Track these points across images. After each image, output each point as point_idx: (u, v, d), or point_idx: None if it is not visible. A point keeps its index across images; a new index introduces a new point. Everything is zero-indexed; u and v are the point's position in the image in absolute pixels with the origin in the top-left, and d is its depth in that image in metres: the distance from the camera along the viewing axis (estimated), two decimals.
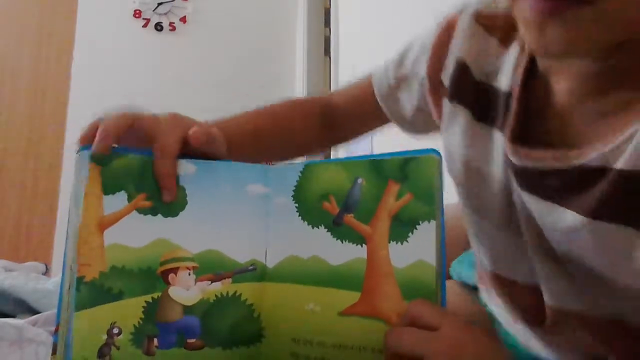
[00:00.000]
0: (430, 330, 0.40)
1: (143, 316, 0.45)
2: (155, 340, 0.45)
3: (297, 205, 0.48)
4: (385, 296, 0.44)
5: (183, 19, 3.38)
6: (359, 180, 0.46)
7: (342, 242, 0.46)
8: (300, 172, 0.48)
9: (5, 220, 2.66)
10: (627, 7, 0.39)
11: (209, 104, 3.22)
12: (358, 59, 2.49)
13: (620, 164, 0.42)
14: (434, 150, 0.44)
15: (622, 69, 0.44)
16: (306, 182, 0.48)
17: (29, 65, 3.00)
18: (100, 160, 0.45)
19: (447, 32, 0.60)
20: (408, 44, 0.70)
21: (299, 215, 0.48)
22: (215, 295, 0.47)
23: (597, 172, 0.44)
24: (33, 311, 1.08)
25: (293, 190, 0.48)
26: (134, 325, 0.44)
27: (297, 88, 3.24)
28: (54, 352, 0.44)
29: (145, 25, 3.34)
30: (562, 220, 0.46)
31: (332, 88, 2.78)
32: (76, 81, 2.98)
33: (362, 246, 0.45)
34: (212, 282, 0.47)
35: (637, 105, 0.44)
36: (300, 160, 0.51)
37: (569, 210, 0.45)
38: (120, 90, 2.89)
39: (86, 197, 0.44)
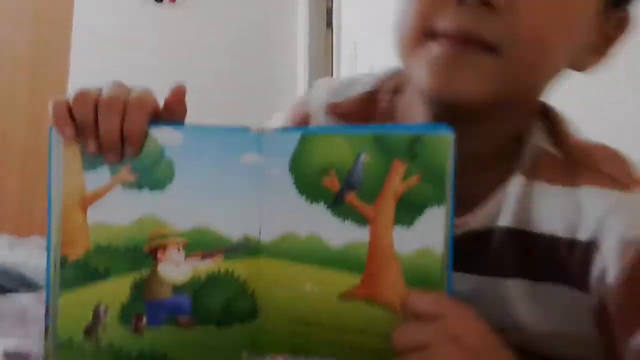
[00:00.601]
0: (435, 321, 0.39)
1: (131, 295, 0.44)
2: (144, 318, 0.44)
3: (294, 177, 0.44)
4: (388, 282, 0.42)
5: None
6: (362, 156, 0.42)
7: (343, 222, 0.43)
8: (298, 140, 0.44)
9: (8, 197, 2.67)
10: (529, 59, 0.45)
11: (210, 75, 3.20)
12: (360, 32, 2.46)
13: (503, 222, 0.50)
14: (447, 127, 0.40)
15: (492, 132, 0.50)
16: (304, 153, 0.44)
17: (27, 47, 2.97)
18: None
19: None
20: None
21: (297, 189, 0.44)
22: (207, 273, 0.45)
23: (486, 233, 0.51)
24: (35, 287, 1.08)
25: (289, 161, 0.44)
26: (122, 304, 0.44)
27: (299, 60, 3.20)
28: (46, 331, 0.44)
29: None
30: (463, 283, 0.49)
31: (334, 60, 2.75)
32: (75, 59, 2.95)
33: (364, 227, 0.42)
34: (203, 259, 0.45)
35: (505, 164, 0.51)
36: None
37: (467, 274, 0.51)
38: (121, 65, 2.86)
39: (65, 175, 0.43)
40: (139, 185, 0.44)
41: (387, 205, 0.41)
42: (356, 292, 0.43)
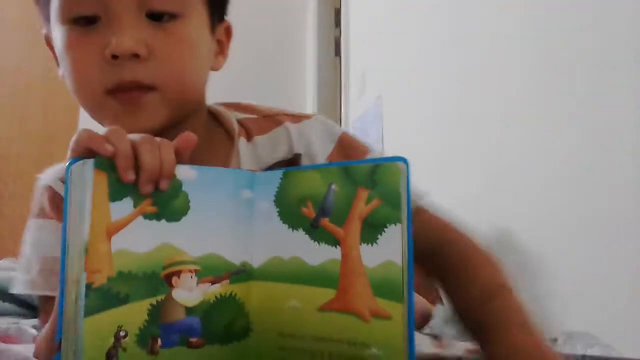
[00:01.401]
0: None
1: (148, 318, 0.47)
2: (159, 340, 0.47)
3: (278, 209, 0.51)
4: (358, 293, 0.47)
5: None
6: (333, 186, 0.49)
7: (319, 244, 0.49)
8: (280, 178, 0.52)
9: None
10: (178, 88, 0.60)
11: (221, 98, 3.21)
12: (368, 61, 2.47)
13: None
14: (401, 159, 0.47)
15: (192, 129, 0.58)
16: (286, 187, 0.51)
17: (42, 71, 3.01)
18: (106, 167, 0.46)
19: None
20: None
21: (280, 219, 0.51)
22: (215, 296, 0.49)
23: None
24: None
25: (274, 195, 0.51)
26: (139, 327, 0.46)
27: (308, 89, 3.23)
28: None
29: None
30: None
31: (343, 89, 2.77)
32: None
33: (336, 247, 0.48)
34: (212, 284, 0.49)
35: None
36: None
37: None
38: None
39: (94, 205, 0.45)
40: (158, 216, 0.48)
41: (354, 227, 0.47)
42: (332, 305, 0.48)
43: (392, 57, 2.15)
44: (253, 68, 3.31)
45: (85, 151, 0.46)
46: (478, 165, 1.44)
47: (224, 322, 0.50)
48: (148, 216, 0.47)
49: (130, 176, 0.46)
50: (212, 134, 0.69)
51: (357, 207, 0.47)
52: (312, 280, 0.49)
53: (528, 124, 1.23)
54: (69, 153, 0.47)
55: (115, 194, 0.46)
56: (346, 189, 0.48)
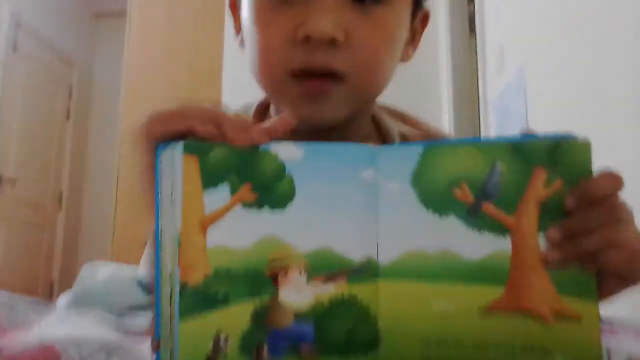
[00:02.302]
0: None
1: (251, 322, 0.41)
2: (266, 347, 0.41)
3: (417, 192, 0.42)
4: (537, 290, 0.40)
5: None
6: (498, 165, 0.41)
7: (481, 233, 0.41)
8: (419, 154, 0.42)
9: None
10: (367, 80, 0.55)
11: None
12: (507, 34, 2.32)
13: None
14: (576, 137, 0.40)
15: (353, 130, 0.59)
16: (428, 166, 0.42)
17: (186, 78, 3.21)
18: (197, 150, 0.40)
19: None
20: None
21: (421, 203, 0.42)
22: (330, 298, 0.42)
23: None
24: None
25: (411, 175, 0.42)
26: (242, 332, 0.41)
27: (442, 70, 3.11)
28: None
29: None
30: None
31: (480, 68, 2.63)
32: (227, 91, 3.12)
33: (505, 237, 0.40)
34: (325, 283, 0.42)
35: None
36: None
37: None
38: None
39: (185, 194, 0.40)
40: (259, 204, 0.41)
41: (531, 212, 0.40)
42: (500, 305, 0.40)
43: (534, 27, 2.00)
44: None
45: (163, 134, 0.41)
46: (632, 140, 1.28)
47: (343, 330, 0.42)
48: (248, 204, 0.41)
49: (215, 131, 0.40)
50: (367, 140, 0.61)
51: (533, 189, 0.40)
52: (471, 278, 0.41)
53: None
54: (141, 140, 0.42)
55: (209, 180, 0.40)
56: (516, 168, 0.40)
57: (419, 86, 3.20)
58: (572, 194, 0.39)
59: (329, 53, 0.51)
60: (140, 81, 3.15)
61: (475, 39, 2.71)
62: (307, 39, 0.51)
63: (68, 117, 4.52)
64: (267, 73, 0.56)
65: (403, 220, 0.42)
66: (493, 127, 2.43)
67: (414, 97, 3.19)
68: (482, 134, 2.55)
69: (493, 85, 2.47)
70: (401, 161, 0.42)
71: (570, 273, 0.39)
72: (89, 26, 4.58)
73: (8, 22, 3.74)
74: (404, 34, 0.58)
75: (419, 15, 0.62)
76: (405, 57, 0.62)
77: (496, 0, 2.48)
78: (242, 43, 0.60)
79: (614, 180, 0.40)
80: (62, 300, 1.30)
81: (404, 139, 0.65)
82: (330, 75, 0.52)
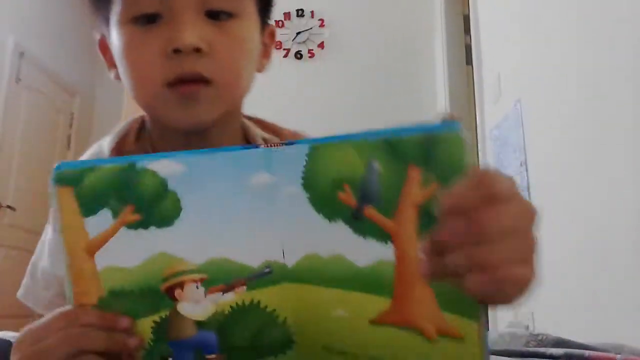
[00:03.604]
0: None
1: (153, 337, 0.41)
2: (170, 359, 0.42)
3: (308, 195, 0.39)
4: (419, 304, 0.37)
5: (321, 45, 3.45)
6: (375, 164, 0.37)
7: (365, 239, 0.38)
8: (307, 154, 0.39)
9: None
10: (231, 84, 0.63)
11: (353, 118, 3.25)
12: (504, 64, 2.35)
13: None
14: (455, 125, 0.35)
15: (224, 132, 0.67)
16: (315, 166, 0.39)
17: None
18: (69, 180, 0.40)
19: None
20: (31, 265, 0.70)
21: (313, 207, 0.39)
22: (230, 307, 0.41)
23: None
24: None
25: (302, 177, 0.39)
26: (144, 349, 0.41)
27: (439, 101, 3.14)
28: None
29: (285, 56, 3.46)
30: None
31: (477, 96, 2.65)
32: None
33: (387, 243, 0.37)
34: (224, 293, 0.41)
35: None
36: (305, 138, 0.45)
37: None
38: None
39: (64, 226, 0.40)
40: (144, 224, 0.40)
41: (408, 217, 0.36)
42: (388, 318, 0.39)
43: (531, 58, 2.02)
44: (383, 83, 3.31)
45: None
46: (631, 168, 1.29)
47: (247, 335, 0.42)
48: (132, 226, 0.40)
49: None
50: (237, 144, 0.69)
51: (409, 191, 0.36)
52: (360, 285, 0.39)
53: None
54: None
55: (88, 208, 0.39)
56: (392, 167, 0.36)
57: (416, 116, 3.22)
58: (441, 199, 0.34)
59: (197, 61, 0.59)
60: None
61: (472, 69, 2.74)
62: (177, 52, 0.59)
63: (69, 145, 4.55)
64: (145, 88, 0.63)
65: (299, 223, 0.40)
66: (491, 157, 2.44)
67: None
68: (481, 164, 2.56)
69: (490, 115, 2.49)
70: (293, 161, 0.39)
71: (451, 288, 0.35)
72: (91, 56, 4.63)
73: (11, 53, 3.79)
74: (256, 44, 0.67)
75: (267, 31, 0.71)
76: (260, 68, 0.71)
77: (492, 31, 2.52)
78: (117, 76, 0.67)
79: (483, 183, 0.34)
80: None
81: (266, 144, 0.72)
82: (199, 80, 0.60)
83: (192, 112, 0.61)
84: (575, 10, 1.65)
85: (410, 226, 0.36)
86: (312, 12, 3.51)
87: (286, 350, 0.42)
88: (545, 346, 0.72)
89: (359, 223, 0.38)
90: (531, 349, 0.70)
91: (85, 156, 0.70)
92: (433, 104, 3.18)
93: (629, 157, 1.33)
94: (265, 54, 0.72)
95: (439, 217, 0.34)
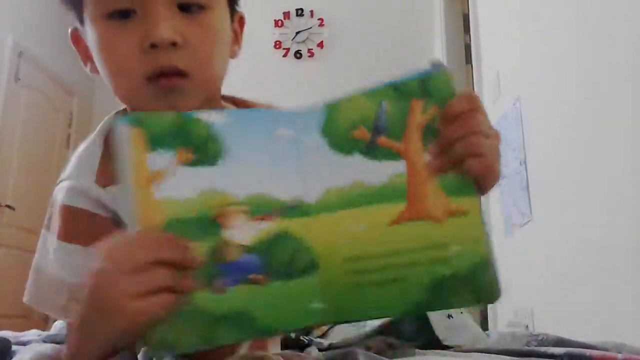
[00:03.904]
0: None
1: (206, 260, 0.47)
2: (222, 280, 0.47)
3: (326, 140, 0.50)
4: (430, 198, 0.48)
5: (320, 44, 3.45)
6: (384, 104, 0.49)
7: (380, 162, 0.49)
8: (323, 111, 0.51)
9: None
10: (206, 73, 0.65)
11: None
12: (503, 63, 2.35)
13: None
14: (443, 66, 0.50)
15: None
16: (331, 118, 0.50)
17: None
18: (140, 122, 0.48)
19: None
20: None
21: (331, 149, 0.50)
22: (269, 233, 0.49)
23: None
24: None
25: (320, 128, 0.51)
26: (200, 269, 0.47)
27: None
28: None
29: (285, 55, 3.46)
30: None
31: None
32: None
33: (399, 161, 0.49)
34: (262, 221, 0.49)
35: None
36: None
37: None
38: None
39: (133, 159, 0.47)
40: (196, 163, 0.48)
41: (414, 137, 0.49)
42: (404, 216, 0.49)
43: (530, 56, 2.02)
44: (382, 79, 3.31)
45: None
46: (630, 166, 1.29)
47: (284, 258, 0.49)
48: (187, 164, 0.48)
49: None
50: None
51: (413, 117, 0.49)
52: (379, 199, 0.49)
53: None
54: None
55: (153, 146, 0.48)
56: (398, 104, 0.49)
57: None
58: (439, 115, 0.49)
59: (173, 55, 0.61)
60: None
61: (472, 68, 2.74)
62: (153, 46, 0.60)
63: (68, 145, 4.54)
64: (124, 81, 0.64)
65: (321, 165, 0.50)
66: None
67: None
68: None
69: (490, 114, 2.48)
70: (311, 119, 0.51)
71: (453, 178, 0.48)
72: None
73: (10, 52, 3.78)
74: (227, 33, 0.69)
75: (236, 18, 0.73)
76: (233, 55, 0.73)
77: (492, 30, 2.52)
78: (93, 69, 0.68)
79: (469, 100, 0.50)
80: (59, 326, 1.29)
81: None
82: (177, 74, 0.62)
83: (172, 104, 0.62)
84: (574, 8, 1.65)
85: (417, 143, 0.49)
86: (311, 11, 3.51)
87: (312, 272, 0.49)
88: (545, 346, 0.71)
89: (372, 151, 0.49)
90: (532, 348, 0.70)
91: (76, 156, 0.71)
92: None
93: (628, 156, 1.33)
94: (236, 41, 0.74)
95: (440, 125, 0.48)
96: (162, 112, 0.51)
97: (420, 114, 0.49)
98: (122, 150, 0.48)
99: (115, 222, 0.64)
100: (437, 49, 3.20)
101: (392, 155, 0.49)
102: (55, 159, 4.39)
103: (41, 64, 4.16)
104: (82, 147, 0.72)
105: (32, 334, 1.05)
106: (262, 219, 0.49)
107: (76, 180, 0.68)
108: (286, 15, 3.50)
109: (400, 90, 0.50)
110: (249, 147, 0.50)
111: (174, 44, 0.61)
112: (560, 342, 0.72)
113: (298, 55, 3.47)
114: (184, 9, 0.63)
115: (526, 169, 1.98)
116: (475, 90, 2.65)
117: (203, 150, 0.49)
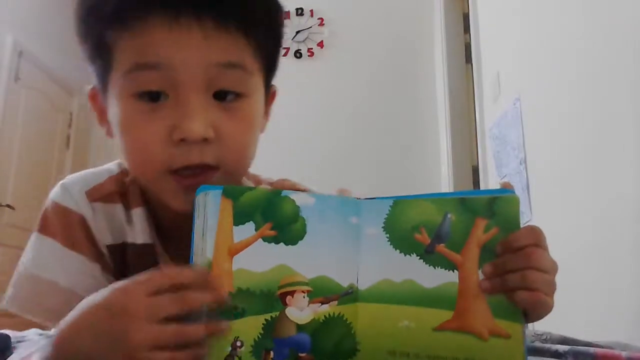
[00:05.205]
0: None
1: (262, 332, 0.50)
2: (272, 353, 0.50)
3: (387, 235, 0.53)
4: (477, 314, 0.50)
5: (320, 44, 3.45)
6: (449, 215, 0.52)
7: (435, 268, 0.52)
8: (390, 206, 0.54)
9: None
10: (238, 165, 0.63)
11: (353, 119, 3.24)
12: (503, 63, 2.35)
13: None
14: (512, 191, 0.51)
15: None
16: (396, 215, 0.53)
17: None
18: (233, 194, 0.51)
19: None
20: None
21: (391, 244, 0.53)
22: (324, 316, 0.52)
23: None
24: None
25: (384, 222, 0.54)
26: (254, 340, 0.50)
27: (439, 100, 3.14)
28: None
29: (285, 55, 3.46)
30: None
31: (476, 97, 2.65)
32: None
33: (453, 271, 0.51)
34: (322, 304, 0.52)
35: None
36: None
37: None
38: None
39: (219, 228, 0.50)
40: (277, 240, 0.51)
41: (473, 252, 0.51)
42: (449, 325, 0.51)
43: (530, 55, 2.02)
44: (382, 82, 3.30)
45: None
46: (630, 166, 1.29)
47: (332, 341, 0.52)
48: (267, 239, 0.51)
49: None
50: None
51: (475, 235, 0.51)
52: (427, 302, 0.51)
53: None
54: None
55: (239, 219, 0.51)
56: (462, 218, 0.51)
57: (416, 115, 3.22)
58: (501, 241, 0.50)
59: (203, 150, 0.58)
60: None
61: (472, 68, 2.74)
62: (183, 140, 0.57)
63: (68, 145, 4.54)
64: (146, 170, 0.61)
65: (377, 256, 0.53)
66: (491, 155, 2.44)
67: (412, 125, 3.22)
68: (480, 161, 2.56)
69: (490, 113, 2.49)
70: (376, 211, 0.54)
71: (502, 301, 0.50)
72: None
73: (10, 52, 3.78)
74: (261, 115, 0.66)
75: (269, 93, 0.69)
76: (262, 128, 0.69)
77: (492, 29, 2.52)
78: (109, 132, 0.64)
79: (533, 235, 0.51)
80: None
81: None
82: (205, 168, 0.59)
83: (191, 201, 0.57)
84: (574, 8, 1.65)
85: (474, 258, 0.51)
86: (311, 11, 3.50)
87: (353, 357, 0.53)
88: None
89: (430, 256, 0.52)
90: (537, 345, 0.70)
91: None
92: (433, 102, 3.18)
93: (628, 155, 1.33)
94: (266, 115, 0.69)
95: (499, 252, 0.50)
96: (254, 187, 0.53)
97: (482, 231, 0.51)
98: (208, 217, 0.50)
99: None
100: (437, 49, 3.20)
101: (448, 264, 0.51)
102: (55, 158, 4.39)
103: (41, 64, 4.15)
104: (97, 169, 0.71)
105: (33, 333, 1.05)
106: (322, 302, 0.52)
107: (70, 182, 0.68)
108: (286, 14, 3.50)
109: (467, 205, 0.52)
110: (324, 231, 0.53)
111: (204, 140, 0.57)
112: (564, 341, 0.72)
113: (298, 54, 3.46)
114: (219, 96, 0.59)
115: (526, 169, 1.97)
116: (475, 90, 2.65)
117: (287, 229, 0.52)
